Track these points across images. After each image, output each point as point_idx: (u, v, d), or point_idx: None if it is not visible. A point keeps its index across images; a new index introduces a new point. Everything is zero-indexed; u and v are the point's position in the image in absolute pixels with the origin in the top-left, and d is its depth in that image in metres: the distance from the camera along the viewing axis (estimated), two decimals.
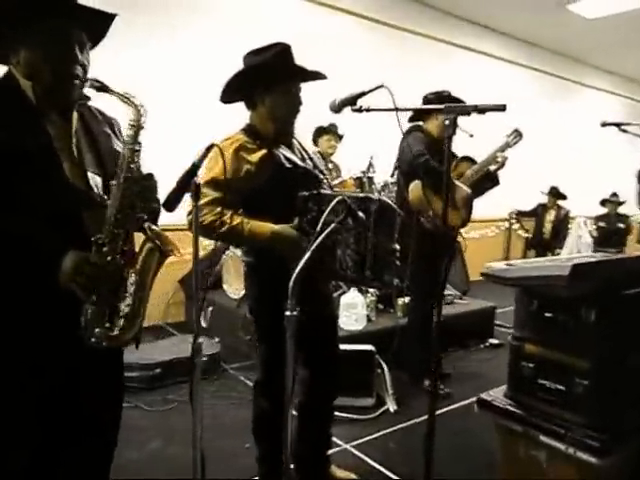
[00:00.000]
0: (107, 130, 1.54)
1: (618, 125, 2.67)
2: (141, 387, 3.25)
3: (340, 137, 4.55)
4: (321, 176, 2.08)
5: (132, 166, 1.35)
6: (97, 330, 1.33)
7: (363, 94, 1.74)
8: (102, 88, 1.37)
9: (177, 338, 4.06)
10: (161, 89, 4.49)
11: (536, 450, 2.02)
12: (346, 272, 1.81)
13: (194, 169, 1.27)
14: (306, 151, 2.15)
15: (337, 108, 1.84)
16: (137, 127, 1.37)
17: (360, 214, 1.77)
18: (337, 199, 1.64)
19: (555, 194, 6.82)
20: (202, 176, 1.88)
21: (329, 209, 1.61)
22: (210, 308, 4.36)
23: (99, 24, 1.46)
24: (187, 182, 1.27)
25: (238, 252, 4.30)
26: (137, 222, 1.37)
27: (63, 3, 1.36)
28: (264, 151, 1.94)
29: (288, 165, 1.96)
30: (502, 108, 1.40)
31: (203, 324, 4.37)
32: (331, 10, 5.59)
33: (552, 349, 2.01)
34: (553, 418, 1.97)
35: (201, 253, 4.90)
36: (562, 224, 6.88)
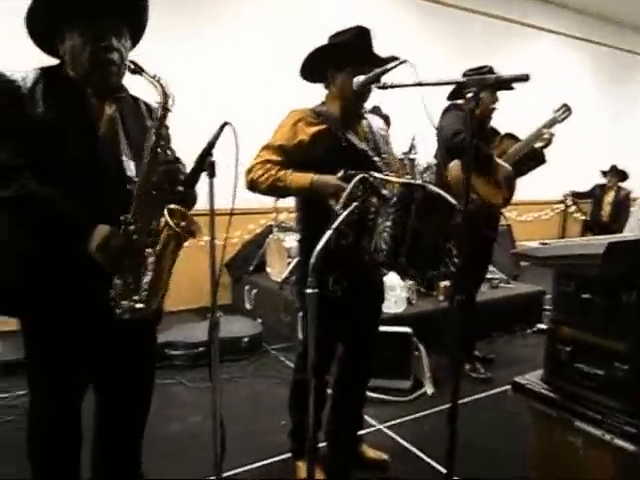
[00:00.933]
0: (145, 117, 1.61)
1: None
2: (185, 365, 3.38)
3: (387, 120, 4.49)
4: (376, 158, 2.06)
5: (158, 149, 1.40)
6: (123, 303, 1.39)
7: (386, 71, 1.72)
8: (135, 70, 1.44)
9: (222, 319, 4.14)
10: (210, 79, 4.61)
11: (572, 436, 1.95)
12: (379, 255, 1.80)
13: (209, 148, 1.30)
14: (372, 132, 2.14)
15: (360, 86, 1.83)
16: (164, 110, 1.41)
17: (385, 192, 1.75)
18: (359, 177, 1.63)
19: (616, 173, 6.47)
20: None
21: (351, 186, 1.60)
22: (254, 290, 4.46)
23: (134, 11, 1.53)
24: (202, 160, 1.29)
25: (281, 235, 4.36)
26: (162, 203, 1.41)
27: None
28: (323, 126, 1.99)
29: (344, 145, 2.00)
30: (525, 78, 1.34)
31: (247, 306, 4.48)
32: None
33: (590, 332, 1.92)
34: (590, 403, 1.89)
35: (246, 237, 5.03)
36: (622, 206, 6.51)
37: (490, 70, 3.04)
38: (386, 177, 1.72)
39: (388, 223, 1.71)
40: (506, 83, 1.41)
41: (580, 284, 1.95)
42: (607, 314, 1.86)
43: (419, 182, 1.81)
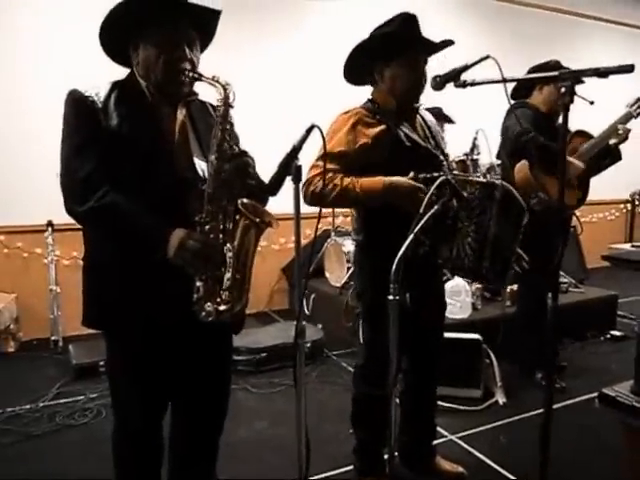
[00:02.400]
0: (213, 117, 1.61)
1: None
2: (248, 370, 3.38)
3: (451, 121, 4.40)
4: (442, 157, 1.98)
5: (224, 145, 1.39)
6: (207, 305, 1.38)
7: (467, 67, 1.64)
8: (194, 78, 1.45)
9: (281, 324, 4.17)
10: (270, 82, 4.65)
11: None
12: (463, 261, 1.73)
13: (294, 152, 1.27)
14: (430, 128, 2.05)
15: (440, 85, 1.76)
16: (226, 106, 1.40)
17: (465, 194, 1.68)
18: (440, 179, 1.57)
19: None
20: (320, 148, 1.89)
21: (432, 189, 1.54)
22: (312, 295, 4.44)
23: (207, 21, 1.55)
24: (288, 165, 1.27)
25: (339, 240, 4.33)
26: (234, 200, 1.39)
27: (174, 4, 1.44)
28: (383, 127, 1.88)
29: (408, 143, 1.89)
30: (629, 69, 1.25)
31: (306, 311, 4.46)
32: None
33: None
34: None
35: (303, 242, 5.02)
36: None
37: (558, 64, 2.91)
38: (468, 177, 1.65)
39: (472, 227, 1.64)
40: (606, 75, 1.31)
41: None
42: None
43: (499, 181, 1.73)
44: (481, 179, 1.76)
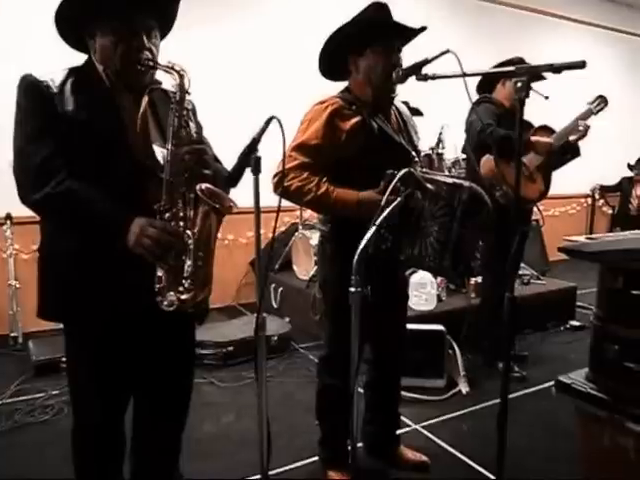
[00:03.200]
0: None
1: None
2: (215, 364, 3.36)
3: (419, 113, 4.44)
4: (414, 153, 1.98)
5: (181, 132, 1.37)
6: (169, 294, 1.36)
7: (427, 62, 1.66)
8: (150, 66, 1.43)
9: (249, 317, 4.16)
10: (229, 67, 4.59)
11: (622, 437, 1.88)
12: (424, 259, 1.74)
13: (253, 144, 1.26)
14: (404, 121, 2.05)
15: (402, 78, 1.78)
16: (182, 93, 1.39)
17: (430, 186, 1.70)
18: (403, 171, 1.58)
19: None
20: (293, 139, 1.89)
21: (393, 183, 1.55)
22: (280, 289, 4.43)
23: (165, 9, 1.53)
24: (247, 157, 1.26)
25: (307, 233, 4.33)
26: (192, 186, 1.38)
27: None
28: (358, 118, 1.85)
29: (380, 137, 1.88)
30: (581, 65, 1.29)
31: (273, 304, 4.45)
32: None
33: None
34: None
35: (271, 235, 4.95)
36: None
37: (521, 61, 2.97)
38: (435, 177, 1.67)
39: (435, 227, 1.65)
40: (559, 71, 1.35)
41: (628, 280, 1.88)
42: None
43: (466, 183, 1.74)
44: (448, 180, 1.76)
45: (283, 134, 1.26)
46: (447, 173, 3.76)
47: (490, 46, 5.23)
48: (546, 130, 3.09)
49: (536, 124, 3.17)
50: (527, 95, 1.40)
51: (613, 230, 6.82)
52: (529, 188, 3.04)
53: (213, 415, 2.78)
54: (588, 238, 1.83)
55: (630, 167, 6.47)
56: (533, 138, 2.96)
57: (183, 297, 1.35)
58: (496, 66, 3.02)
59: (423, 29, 1.87)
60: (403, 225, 1.71)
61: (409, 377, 2.86)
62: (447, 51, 1.60)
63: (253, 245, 5.03)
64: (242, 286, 4.86)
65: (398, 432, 2.36)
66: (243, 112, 3.93)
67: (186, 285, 1.35)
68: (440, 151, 3.85)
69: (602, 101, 3.04)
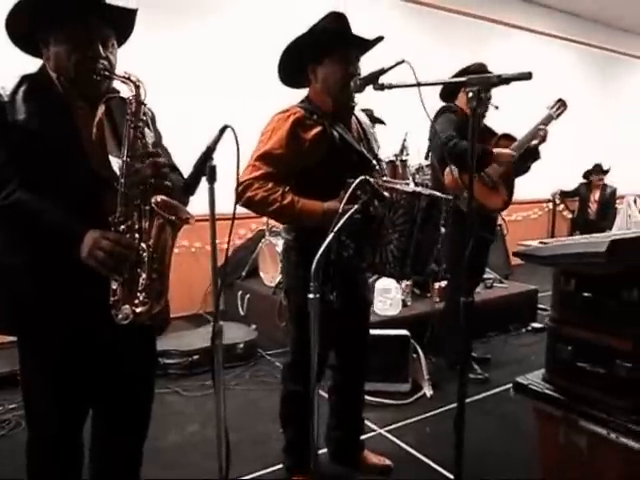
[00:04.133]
0: None
1: None
2: (180, 373, 3.33)
3: (381, 122, 4.50)
4: (374, 162, 2.01)
5: (137, 144, 1.37)
6: (124, 307, 1.35)
7: (384, 71, 1.69)
8: (105, 76, 1.41)
9: None
10: (191, 75, 4.56)
11: (576, 436, 1.94)
12: (385, 267, 1.77)
13: (208, 152, 1.26)
14: (364, 130, 2.07)
15: (360, 87, 1.80)
16: (137, 104, 1.38)
17: (386, 195, 1.73)
18: (359, 179, 1.61)
19: (601, 172, 6.54)
20: (255, 149, 1.89)
21: (349, 191, 1.58)
22: (247, 296, 4.41)
23: (122, 19, 1.51)
24: (202, 166, 1.26)
25: (274, 240, 4.33)
26: (147, 198, 1.37)
27: (86, 2, 1.40)
28: (319, 128, 1.87)
29: (342, 146, 1.90)
30: (527, 76, 1.33)
31: (240, 311, 4.43)
32: None
33: (592, 330, 1.91)
34: (594, 402, 1.88)
35: (238, 242, 4.96)
36: (609, 203, 6.59)
37: (482, 67, 3.03)
38: (395, 186, 1.70)
39: (395, 235, 1.68)
40: (508, 82, 1.39)
41: (580, 282, 1.95)
42: (609, 312, 1.86)
43: (426, 191, 1.77)
44: (407, 188, 1.79)
45: (237, 143, 1.26)
46: (410, 180, 3.81)
47: (450, 55, 5.34)
48: (508, 138, 3.15)
49: (497, 131, 3.25)
50: (479, 105, 1.44)
51: (573, 234, 7.03)
52: (493, 198, 3.11)
53: (178, 425, 2.75)
54: (541, 242, 1.88)
55: (586, 176, 6.68)
56: (495, 150, 3.02)
57: (138, 310, 1.34)
58: (458, 72, 3.09)
59: (380, 39, 1.91)
60: (364, 233, 1.73)
61: (374, 382, 2.89)
62: (402, 61, 1.64)
63: (220, 253, 5.00)
64: (209, 294, 4.81)
65: (363, 437, 2.38)
66: (204, 120, 3.91)
67: (141, 298, 1.34)
68: (404, 158, 3.90)
69: (561, 105, 3.12)
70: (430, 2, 6.04)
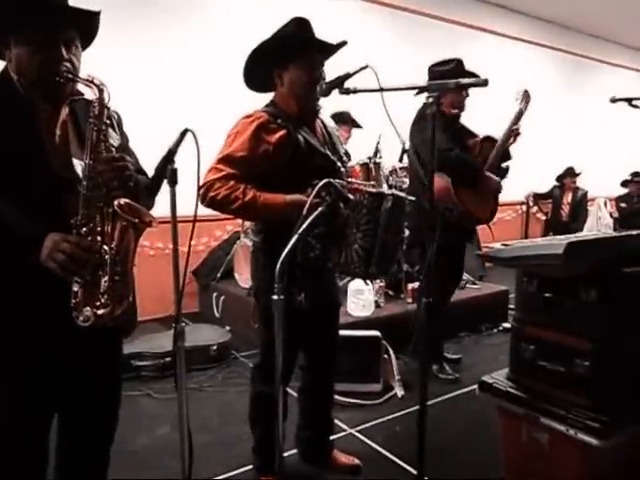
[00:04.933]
0: None
1: (629, 100, 2.58)
2: (152, 375, 3.32)
3: (358, 125, 4.53)
4: (339, 164, 2.02)
5: (100, 147, 1.36)
6: (85, 309, 1.35)
7: (349, 76, 1.72)
8: (68, 79, 1.40)
9: (189, 327, 4.10)
10: (158, 78, 4.55)
11: (538, 432, 1.99)
12: (350, 266, 1.79)
13: (169, 155, 1.27)
14: (329, 134, 2.09)
15: (325, 91, 1.83)
16: (101, 107, 1.38)
17: (351, 197, 1.76)
18: (323, 182, 1.63)
19: (573, 174, 6.68)
20: (219, 152, 1.91)
21: (314, 193, 1.60)
22: (222, 297, 4.41)
23: (86, 22, 1.50)
24: (163, 168, 1.27)
25: (249, 241, 4.33)
26: (110, 201, 1.37)
27: (47, 4, 1.39)
28: (283, 132, 1.89)
29: (306, 150, 1.92)
30: (484, 83, 1.37)
31: (216, 313, 4.43)
32: None
33: (552, 330, 1.97)
34: (554, 400, 1.93)
35: (213, 243, 4.94)
36: (580, 205, 6.72)
37: (459, 63, 3.02)
38: (359, 187, 1.73)
39: (359, 235, 1.70)
40: (465, 88, 1.43)
41: (541, 283, 2.00)
42: (568, 312, 1.91)
43: (389, 192, 1.81)
44: (371, 189, 1.82)
45: (197, 146, 1.27)
46: (384, 182, 3.85)
47: (423, 58, 5.40)
48: (491, 140, 3.17)
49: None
50: (437, 110, 1.48)
51: (547, 235, 7.16)
52: (482, 208, 3.15)
53: (148, 427, 2.74)
54: (503, 244, 1.93)
55: (559, 178, 6.81)
56: (486, 174, 3.08)
57: (100, 312, 1.34)
58: (436, 64, 3.10)
59: (344, 44, 1.94)
60: (330, 233, 1.76)
61: (346, 382, 2.91)
62: (366, 66, 1.67)
63: (194, 254, 4.98)
64: (183, 295, 4.78)
65: (333, 437, 2.40)
66: (172, 123, 3.90)
67: (103, 300, 1.34)
68: (377, 160, 3.94)
69: (526, 95, 3.12)
70: (403, 6, 6.11)
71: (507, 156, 3.25)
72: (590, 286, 1.84)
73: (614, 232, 6.05)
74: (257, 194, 1.84)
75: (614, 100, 2.55)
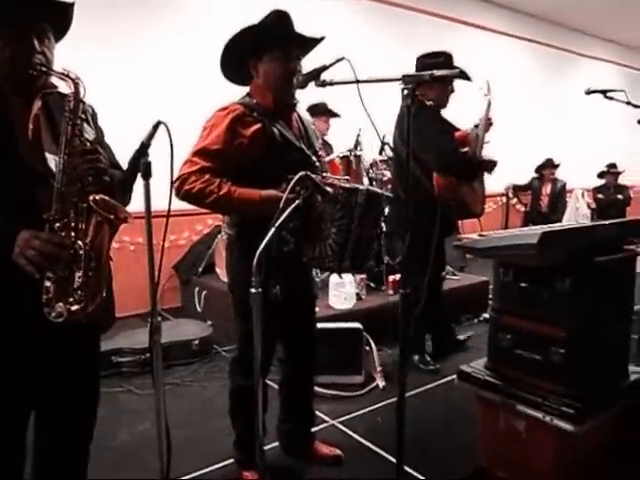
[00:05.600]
0: None
1: (604, 92, 2.62)
2: (133, 371, 3.30)
3: (335, 115, 4.51)
4: (314, 158, 2.02)
5: (75, 141, 1.34)
6: (58, 306, 1.33)
7: (325, 68, 1.71)
8: (42, 72, 1.38)
9: (171, 322, 4.10)
10: (133, 72, 4.51)
11: (515, 420, 2.03)
12: (324, 261, 1.79)
13: (142, 149, 1.26)
14: (305, 128, 2.08)
15: (301, 83, 1.82)
16: (76, 101, 1.36)
17: (329, 190, 1.75)
18: (299, 174, 1.63)
19: (552, 166, 6.76)
20: (194, 145, 1.89)
21: (290, 187, 1.60)
22: (204, 292, 4.39)
23: (59, 13, 1.47)
24: (137, 162, 1.26)
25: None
26: (85, 196, 1.35)
27: None
28: (259, 125, 1.88)
29: (282, 143, 1.91)
30: (458, 75, 1.38)
31: (197, 308, 4.40)
32: None
33: (528, 319, 2.00)
34: (530, 387, 1.98)
35: (194, 237, 4.90)
36: (559, 197, 6.82)
37: (448, 57, 3.01)
38: (333, 182, 1.72)
39: (333, 230, 1.70)
40: (440, 80, 1.44)
41: (517, 273, 2.03)
42: (543, 301, 1.95)
43: (362, 187, 1.80)
44: (345, 184, 1.81)
45: (170, 139, 1.26)
46: (364, 175, 3.87)
47: (407, 51, 5.41)
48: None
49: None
50: (414, 102, 1.48)
51: (526, 226, 7.25)
52: (475, 201, 3.19)
53: (130, 423, 2.72)
54: (480, 235, 1.95)
55: (538, 170, 6.88)
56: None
57: (73, 308, 1.32)
58: (425, 56, 3.09)
59: (322, 39, 1.93)
60: (304, 227, 1.76)
61: (328, 374, 2.93)
62: (342, 58, 1.66)
63: (176, 249, 4.94)
64: (165, 291, 4.77)
65: (315, 429, 2.41)
66: (147, 117, 3.87)
67: (76, 296, 1.33)
68: (358, 153, 3.95)
69: (489, 85, 3.05)
70: (391, 0, 6.11)
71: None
72: (564, 276, 1.88)
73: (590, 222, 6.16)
74: (232, 188, 1.83)
75: (589, 92, 2.59)
